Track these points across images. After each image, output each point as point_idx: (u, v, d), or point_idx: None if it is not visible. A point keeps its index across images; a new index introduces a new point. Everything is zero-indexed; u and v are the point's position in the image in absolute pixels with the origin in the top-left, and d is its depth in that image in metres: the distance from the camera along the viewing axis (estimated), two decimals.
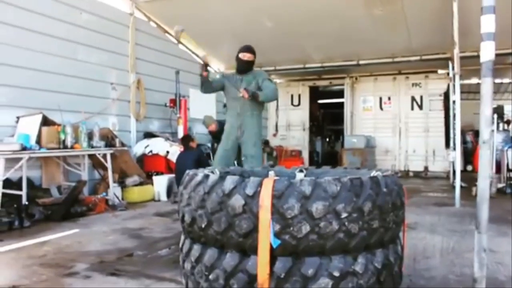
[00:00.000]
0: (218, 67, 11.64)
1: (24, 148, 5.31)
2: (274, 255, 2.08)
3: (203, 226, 2.30)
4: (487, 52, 2.45)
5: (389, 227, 2.33)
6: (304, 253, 2.11)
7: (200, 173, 2.50)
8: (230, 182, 2.23)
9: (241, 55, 4.78)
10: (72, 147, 5.99)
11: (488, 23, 2.45)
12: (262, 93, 4.65)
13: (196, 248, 2.41)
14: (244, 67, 4.81)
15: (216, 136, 8.36)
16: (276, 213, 2.08)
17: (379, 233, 2.26)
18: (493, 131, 9.00)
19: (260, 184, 2.16)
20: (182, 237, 2.67)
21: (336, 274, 2.12)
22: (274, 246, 2.05)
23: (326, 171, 3.37)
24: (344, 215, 2.11)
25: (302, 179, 2.18)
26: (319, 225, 2.08)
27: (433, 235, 4.42)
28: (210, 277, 2.27)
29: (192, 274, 2.42)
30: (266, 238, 2.06)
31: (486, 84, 2.46)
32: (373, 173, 2.85)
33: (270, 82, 4.85)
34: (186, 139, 7.57)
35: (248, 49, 4.81)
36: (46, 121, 5.98)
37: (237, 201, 2.16)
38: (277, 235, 2.07)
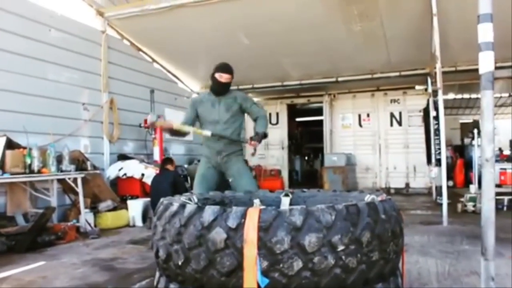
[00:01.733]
0: (194, 86, 11.40)
1: None
2: None
3: (180, 263, 2.05)
4: (486, 63, 2.26)
5: (390, 258, 2.11)
6: None
7: (176, 202, 2.23)
8: (210, 213, 1.98)
9: (217, 76, 4.24)
10: (39, 172, 5.62)
11: (486, 32, 2.27)
12: (262, 128, 4.24)
13: None
14: (221, 90, 4.32)
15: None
16: (263, 247, 1.85)
17: (379, 265, 2.04)
18: (473, 146, 9.02)
19: (244, 215, 1.92)
20: (157, 274, 2.39)
21: None
22: (262, 286, 1.81)
23: (313, 194, 3.14)
24: (340, 247, 1.89)
25: (292, 208, 1.93)
26: (312, 261, 1.86)
27: (425, 258, 4.19)
28: None
29: None
30: (252, 276, 1.82)
31: (487, 97, 2.26)
32: (368, 197, 2.62)
33: (257, 106, 4.46)
34: (165, 161, 7.24)
35: (226, 69, 4.28)
36: (10, 144, 5.59)
37: (218, 235, 1.92)
38: (265, 273, 1.84)
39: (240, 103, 4.35)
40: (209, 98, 4.38)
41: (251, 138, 4.15)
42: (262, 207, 2.05)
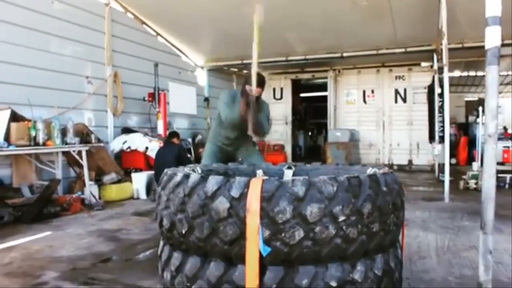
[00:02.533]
0: (198, 60, 11.34)
1: None
2: (263, 264, 1.87)
3: (183, 232, 2.07)
4: (493, 37, 2.24)
5: (390, 229, 2.13)
6: (297, 262, 1.90)
7: (180, 172, 2.26)
8: (213, 182, 1.99)
9: (248, 89, 3.88)
10: (44, 144, 5.66)
11: (493, 6, 2.24)
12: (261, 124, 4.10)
13: (177, 256, 2.18)
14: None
15: None
16: (265, 217, 1.86)
17: (379, 237, 2.06)
18: (477, 123, 8.99)
19: (247, 185, 1.93)
20: (161, 243, 2.43)
21: (333, 283, 1.91)
22: (264, 254, 1.84)
23: (316, 167, 3.16)
24: (341, 218, 1.90)
25: (294, 178, 1.94)
26: (314, 230, 1.87)
27: (426, 232, 4.25)
28: None
29: (172, 284, 2.19)
30: (254, 245, 1.84)
31: (492, 73, 2.24)
32: (370, 170, 2.63)
33: (269, 121, 4.33)
34: (170, 134, 7.28)
35: (260, 83, 3.91)
36: (15, 117, 5.62)
37: (221, 204, 1.93)
38: (267, 241, 1.85)
39: (263, 113, 4.17)
40: (238, 100, 4.10)
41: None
42: (265, 177, 2.07)
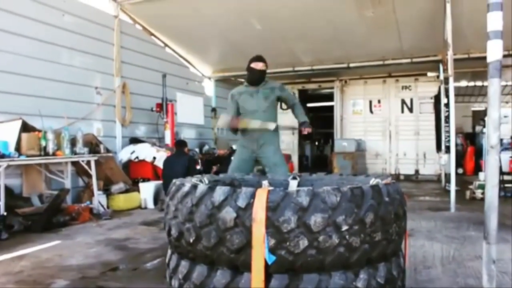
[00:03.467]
0: (206, 71, 11.45)
1: (2, 156, 5.10)
2: (269, 272, 1.92)
3: (191, 240, 2.12)
4: (495, 51, 2.30)
5: (392, 239, 2.17)
6: (301, 270, 1.95)
7: (188, 183, 2.32)
8: (220, 193, 2.05)
9: (253, 65, 4.52)
10: (53, 154, 5.76)
11: (495, 21, 2.30)
12: (304, 117, 4.76)
13: (184, 264, 2.23)
14: (259, 78, 4.56)
15: (221, 160, 8.25)
16: (271, 226, 1.91)
17: (381, 246, 2.10)
18: (484, 133, 8.99)
19: (253, 195, 1.98)
20: (169, 252, 2.48)
21: None
22: (269, 263, 1.89)
23: (320, 178, 3.21)
24: (344, 227, 1.95)
25: (299, 189, 2.00)
26: (318, 239, 1.92)
27: (431, 242, 4.27)
28: None
29: None
30: (260, 254, 1.90)
31: (494, 86, 2.30)
32: (373, 180, 2.68)
33: (292, 95, 4.78)
34: (181, 144, 7.35)
35: (260, 58, 4.57)
36: (26, 127, 5.73)
37: (228, 214, 1.99)
38: (272, 250, 1.91)
39: (277, 93, 4.61)
40: (247, 90, 4.63)
41: (301, 125, 4.67)
42: (271, 188, 2.12)
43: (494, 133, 2.31)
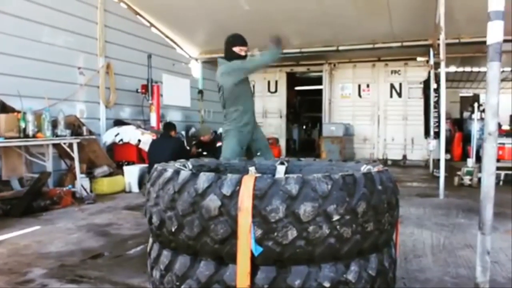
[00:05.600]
0: (192, 52, 11.22)
1: None
2: (255, 264, 1.82)
3: (173, 230, 2.02)
4: (495, 33, 2.18)
5: (384, 229, 2.09)
6: (290, 262, 1.85)
7: (170, 168, 2.19)
8: (204, 179, 1.93)
9: (237, 50, 4.26)
10: (34, 136, 5.56)
11: (496, 0, 2.18)
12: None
13: (166, 254, 2.12)
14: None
15: (205, 146, 8.06)
16: (257, 215, 1.81)
17: (373, 236, 2.02)
18: (472, 119, 8.97)
19: (239, 182, 1.87)
20: (150, 240, 2.36)
21: (327, 284, 1.87)
22: (256, 254, 1.79)
23: (309, 163, 3.10)
24: (335, 217, 1.86)
25: (288, 176, 1.88)
26: (307, 230, 1.82)
27: (420, 229, 4.21)
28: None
29: (162, 283, 2.14)
30: (246, 244, 1.80)
31: (494, 70, 2.19)
32: (364, 167, 2.58)
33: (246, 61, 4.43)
34: (169, 126, 7.15)
35: (244, 41, 4.30)
36: (4, 108, 5.53)
37: (212, 202, 1.88)
38: (258, 241, 1.81)
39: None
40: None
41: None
42: (258, 174, 2.01)
43: (492, 119, 2.23)
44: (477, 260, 2.25)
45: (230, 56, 4.32)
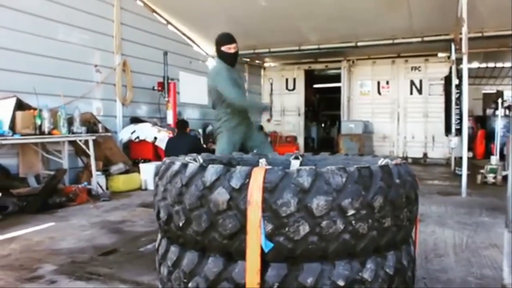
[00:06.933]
0: (209, 50, 11.18)
1: None
2: (265, 260, 1.74)
3: (180, 224, 1.94)
4: None
5: (403, 225, 1.98)
6: (302, 258, 1.76)
7: (178, 161, 2.12)
8: (212, 172, 1.85)
9: (225, 49, 4.19)
10: (49, 133, 5.58)
11: None
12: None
13: (174, 250, 2.05)
14: (235, 60, 4.29)
15: None
16: (268, 210, 1.71)
17: (391, 232, 1.91)
18: (496, 116, 8.72)
19: (248, 175, 1.79)
20: (159, 236, 2.30)
21: (341, 283, 1.77)
22: (266, 250, 1.71)
23: (324, 158, 2.99)
24: (350, 212, 1.75)
25: (300, 168, 1.79)
26: (320, 225, 1.72)
27: (442, 228, 4.07)
28: (190, 285, 1.91)
29: (169, 280, 2.07)
30: (256, 240, 1.71)
31: None
32: (381, 161, 2.46)
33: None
34: (182, 124, 7.14)
35: (231, 39, 4.23)
36: (20, 105, 5.55)
37: (220, 196, 1.79)
38: (269, 236, 1.72)
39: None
40: (231, 70, 4.28)
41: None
42: (268, 167, 1.92)
43: None
44: (504, 260, 2.10)
45: (221, 55, 4.27)
